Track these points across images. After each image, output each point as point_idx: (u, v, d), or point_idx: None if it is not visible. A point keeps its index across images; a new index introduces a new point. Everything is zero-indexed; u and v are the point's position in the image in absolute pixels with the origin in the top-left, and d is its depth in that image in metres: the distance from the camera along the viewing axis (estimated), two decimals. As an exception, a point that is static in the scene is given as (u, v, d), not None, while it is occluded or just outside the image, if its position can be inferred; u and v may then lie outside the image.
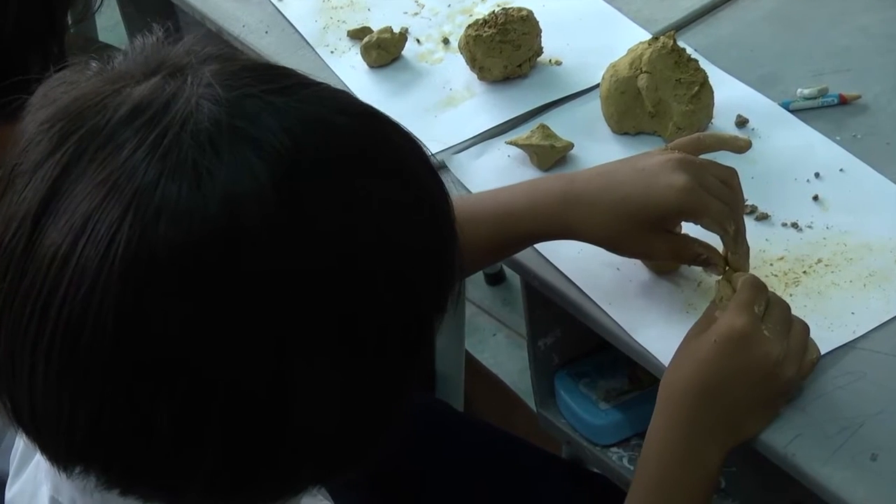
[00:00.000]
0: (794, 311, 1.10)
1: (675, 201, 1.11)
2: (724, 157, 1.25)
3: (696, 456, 1.05)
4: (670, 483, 1.06)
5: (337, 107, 0.77)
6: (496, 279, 2.41)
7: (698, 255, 1.14)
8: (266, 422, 0.73)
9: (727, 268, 1.13)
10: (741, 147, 1.20)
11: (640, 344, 1.16)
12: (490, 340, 2.37)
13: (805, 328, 1.10)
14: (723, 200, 1.12)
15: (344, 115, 0.76)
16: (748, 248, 1.14)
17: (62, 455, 0.75)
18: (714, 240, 1.15)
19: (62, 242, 0.70)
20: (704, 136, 1.21)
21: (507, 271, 2.39)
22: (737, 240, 1.13)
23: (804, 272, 1.20)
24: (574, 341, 1.36)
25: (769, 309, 1.07)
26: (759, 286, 1.08)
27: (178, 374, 0.70)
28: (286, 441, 0.74)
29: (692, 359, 1.06)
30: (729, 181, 1.14)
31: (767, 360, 1.05)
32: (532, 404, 1.44)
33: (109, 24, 2.42)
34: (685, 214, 1.13)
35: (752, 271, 1.17)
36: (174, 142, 0.70)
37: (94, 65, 0.77)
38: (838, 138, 1.33)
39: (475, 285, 2.40)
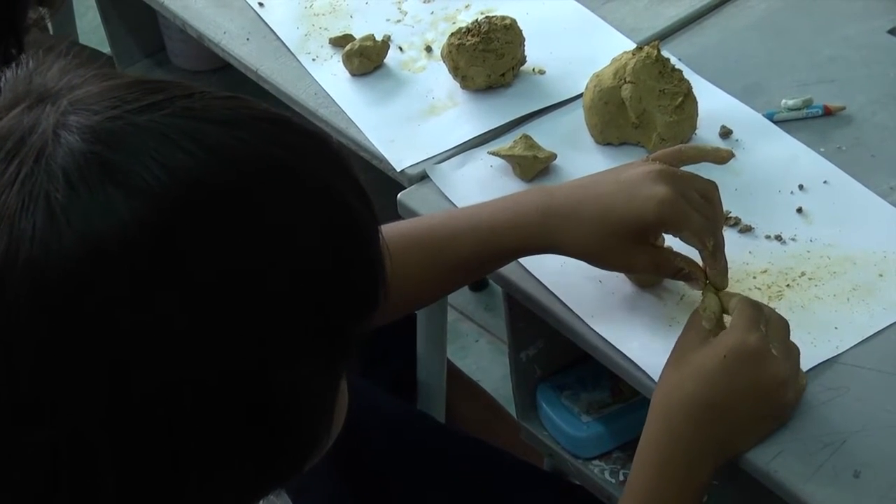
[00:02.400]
0: (778, 326, 1.10)
1: (656, 212, 1.10)
2: (707, 168, 1.24)
3: (692, 471, 1.04)
4: (662, 496, 1.05)
5: (212, 118, 0.72)
6: (479, 285, 2.41)
7: (680, 269, 1.13)
8: (161, 453, 0.71)
9: (707, 283, 1.13)
10: (723, 158, 1.19)
11: (622, 357, 1.15)
12: (472, 346, 2.36)
13: (798, 351, 1.09)
14: (703, 215, 1.11)
15: (223, 127, 0.72)
16: (726, 264, 1.13)
17: None
18: (693, 255, 1.14)
19: None
20: (686, 147, 1.20)
21: (490, 277, 2.38)
22: (715, 255, 1.12)
23: (787, 286, 1.19)
24: (556, 353, 1.35)
25: (773, 328, 1.07)
26: (756, 305, 1.08)
27: (50, 418, 0.69)
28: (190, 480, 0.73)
29: (697, 373, 1.05)
30: (709, 195, 1.13)
31: (774, 380, 1.04)
32: (514, 413, 1.43)
33: (91, 27, 2.40)
34: (666, 226, 1.12)
35: (735, 284, 1.17)
36: (29, 175, 0.68)
37: None
38: (822, 150, 1.32)
39: (458, 291, 2.39)
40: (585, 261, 1.15)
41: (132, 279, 0.68)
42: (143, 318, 0.68)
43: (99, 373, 0.68)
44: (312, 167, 0.75)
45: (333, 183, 0.76)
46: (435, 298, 1.35)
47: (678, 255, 1.14)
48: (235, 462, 0.74)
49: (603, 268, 1.17)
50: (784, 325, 1.08)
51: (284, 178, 0.73)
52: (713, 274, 1.12)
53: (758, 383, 1.04)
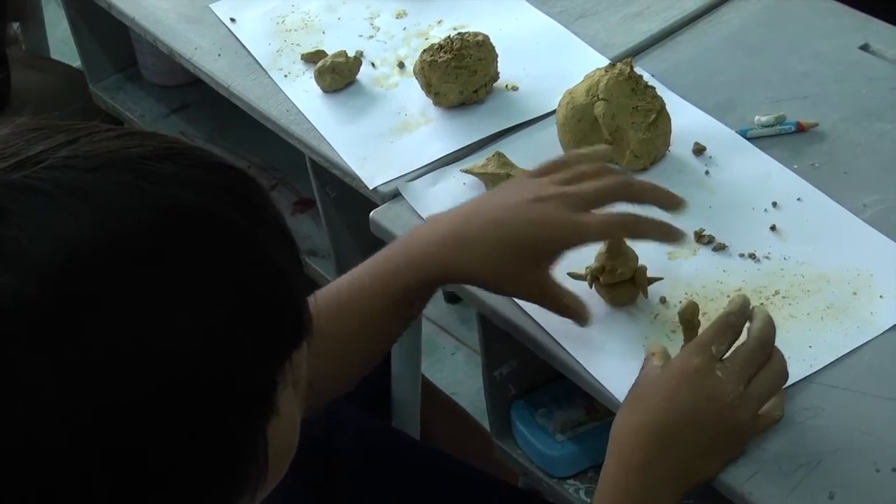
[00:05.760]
0: (751, 345, 1.09)
1: (543, 237, 1.11)
2: (682, 184, 1.23)
3: (651, 500, 1.04)
4: None
5: (96, 164, 0.67)
6: (455, 297, 2.39)
7: (564, 306, 1.14)
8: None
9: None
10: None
11: (595, 378, 1.15)
12: (448, 360, 2.35)
13: (774, 377, 1.06)
14: (606, 189, 1.12)
15: (107, 173, 0.67)
16: (668, 194, 1.15)
17: None
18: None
19: None
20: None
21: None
22: (640, 228, 1.13)
23: (761, 304, 1.19)
24: (531, 371, 1.35)
25: (737, 350, 1.05)
26: (726, 328, 1.06)
27: None
28: None
29: (644, 402, 1.05)
30: (601, 174, 1.15)
31: (716, 402, 1.03)
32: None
33: (65, 36, 2.39)
34: (557, 245, 1.13)
35: (709, 303, 1.16)
36: None
37: None
38: (796, 167, 1.32)
39: (433, 303, 2.36)
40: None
41: (7, 352, 0.63)
42: (18, 384, 0.64)
43: None
44: (206, 204, 0.70)
45: (238, 222, 0.71)
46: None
47: (566, 292, 1.15)
48: None
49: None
50: (752, 348, 1.06)
51: (176, 221, 0.68)
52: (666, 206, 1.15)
53: (699, 404, 1.03)
